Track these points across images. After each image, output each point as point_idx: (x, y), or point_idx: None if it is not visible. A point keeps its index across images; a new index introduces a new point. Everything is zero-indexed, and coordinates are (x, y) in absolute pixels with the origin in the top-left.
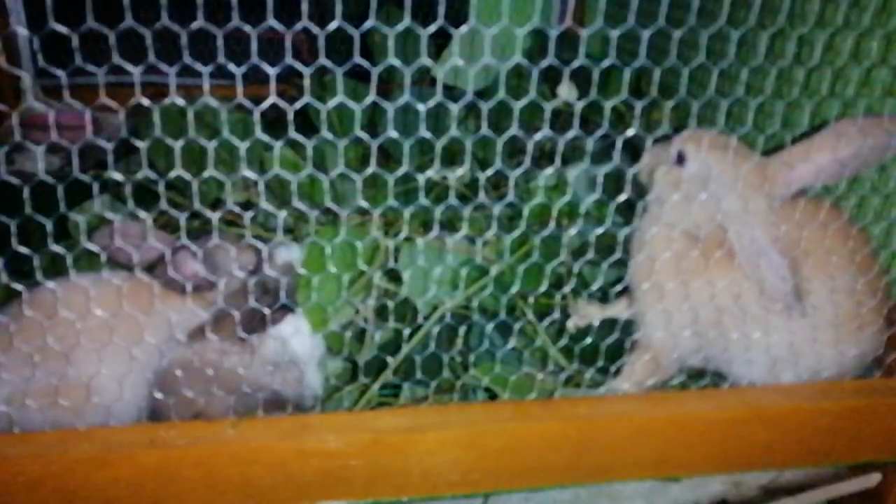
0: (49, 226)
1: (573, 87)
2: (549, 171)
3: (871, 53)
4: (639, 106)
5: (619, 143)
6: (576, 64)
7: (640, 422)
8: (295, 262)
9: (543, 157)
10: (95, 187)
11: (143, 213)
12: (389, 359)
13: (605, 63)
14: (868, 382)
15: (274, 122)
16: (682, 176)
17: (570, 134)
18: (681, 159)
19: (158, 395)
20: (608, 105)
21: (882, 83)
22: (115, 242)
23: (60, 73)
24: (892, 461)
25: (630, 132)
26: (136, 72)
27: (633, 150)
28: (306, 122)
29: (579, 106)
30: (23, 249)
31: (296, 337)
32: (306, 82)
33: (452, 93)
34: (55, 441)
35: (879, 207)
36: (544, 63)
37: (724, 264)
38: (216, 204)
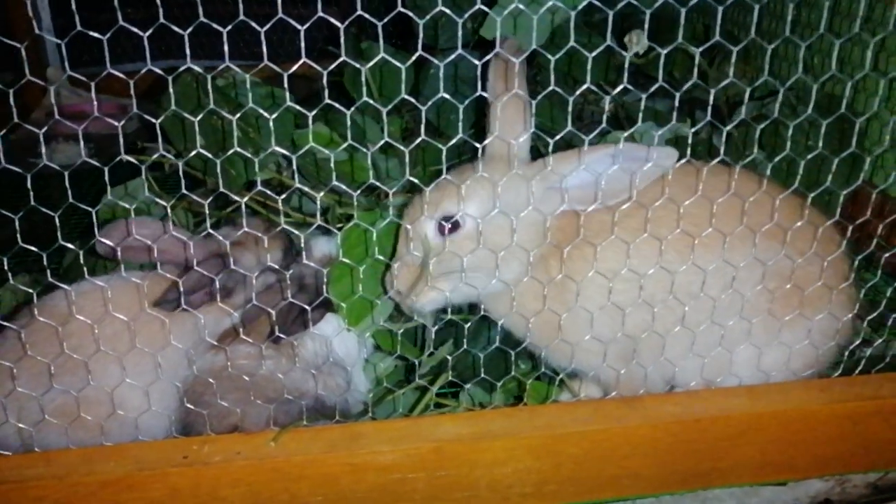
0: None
1: (643, 36)
2: (624, 134)
3: None
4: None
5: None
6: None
7: (740, 420)
8: (335, 255)
9: (595, 120)
10: (106, 174)
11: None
12: (448, 357)
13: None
14: None
15: (304, 100)
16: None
17: (652, 89)
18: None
19: (189, 406)
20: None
21: None
22: (129, 240)
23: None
24: None
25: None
26: (144, 36)
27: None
28: (341, 96)
29: (646, 56)
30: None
31: (339, 336)
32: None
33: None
34: (79, 460)
35: None
36: (602, 13)
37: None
38: (244, 188)
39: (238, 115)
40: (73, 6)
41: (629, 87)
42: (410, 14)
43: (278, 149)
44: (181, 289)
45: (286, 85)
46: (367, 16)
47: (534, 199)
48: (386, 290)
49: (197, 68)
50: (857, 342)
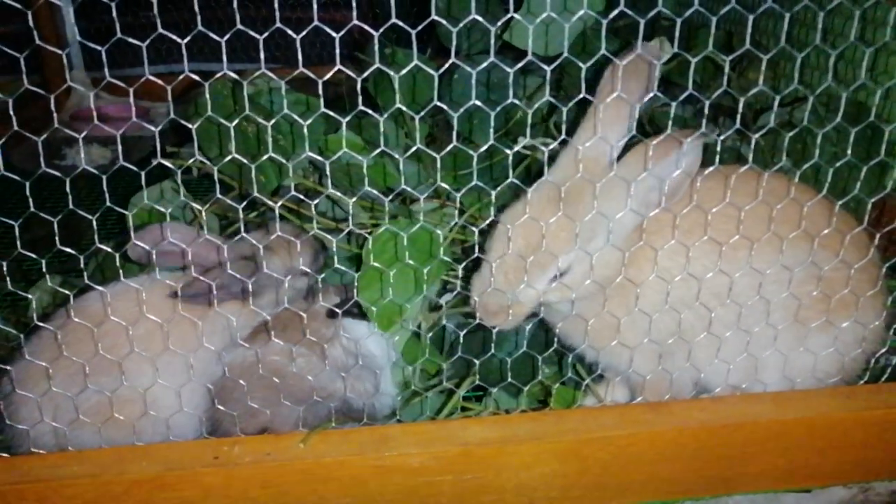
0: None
1: (666, 44)
2: (656, 140)
3: None
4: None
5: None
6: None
7: (766, 426)
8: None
9: None
10: (143, 177)
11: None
12: (476, 360)
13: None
14: None
15: (328, 104)
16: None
17: (682, 97)
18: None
19: (220, 407)
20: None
21: None
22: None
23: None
24: None
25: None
26: (182, 43)
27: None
28: (367, 102)
29: (671, 63)
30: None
31: (371, 338)
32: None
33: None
34: (112, 460)
35: None
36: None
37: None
38: (274, 194)
39: (272, 121)
40: (114, 12)
41: (658, 94)
42: (439, 20)
43: (311, 154)
44: (207, 284)
45: (320, 91)
46: (400, 23)
47: (634, 201)
48: (471, 289)
49: (232, 74)
50: (884, 350)
